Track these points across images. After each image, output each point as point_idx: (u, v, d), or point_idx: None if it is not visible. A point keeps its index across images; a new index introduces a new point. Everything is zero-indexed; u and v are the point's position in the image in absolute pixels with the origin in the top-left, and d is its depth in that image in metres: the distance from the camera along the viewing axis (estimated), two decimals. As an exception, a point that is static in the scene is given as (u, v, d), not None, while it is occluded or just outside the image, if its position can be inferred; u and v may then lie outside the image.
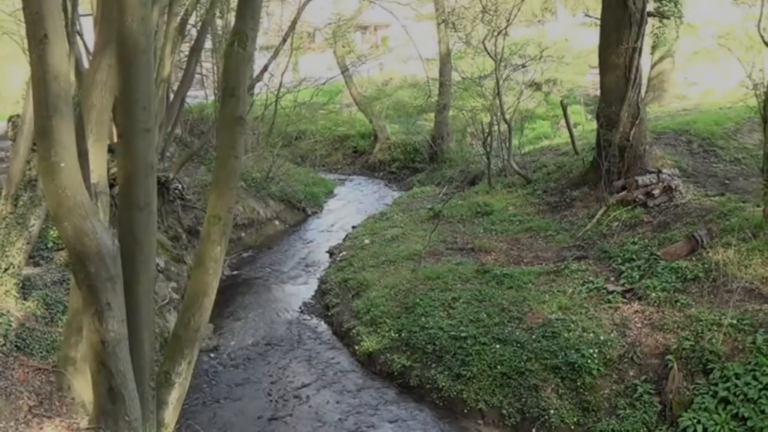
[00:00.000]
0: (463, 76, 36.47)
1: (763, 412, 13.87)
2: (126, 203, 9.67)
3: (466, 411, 16.19)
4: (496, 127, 30.91)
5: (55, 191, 8.63)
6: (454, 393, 16.50)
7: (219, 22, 35.83)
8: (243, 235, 28.63)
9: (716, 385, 14.72)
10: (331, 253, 26.74)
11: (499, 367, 16.62)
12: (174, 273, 22.42)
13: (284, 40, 34.07)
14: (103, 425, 9.70)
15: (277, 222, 31.17)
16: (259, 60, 35.01)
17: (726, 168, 26.60)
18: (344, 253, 25.47)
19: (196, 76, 33.72)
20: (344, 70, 45.35)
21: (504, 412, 15.86)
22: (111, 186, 13.05)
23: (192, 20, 30.61)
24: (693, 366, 15.38)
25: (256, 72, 31.37)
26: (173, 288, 21.29)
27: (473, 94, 34.87)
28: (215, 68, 38.64)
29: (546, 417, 15.39)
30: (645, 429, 14.70)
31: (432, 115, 42.89)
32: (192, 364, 10.81)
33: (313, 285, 24.08)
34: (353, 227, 29.35)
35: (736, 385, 14.49)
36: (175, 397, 10.67)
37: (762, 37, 19.19)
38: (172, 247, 24.31)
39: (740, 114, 28.11)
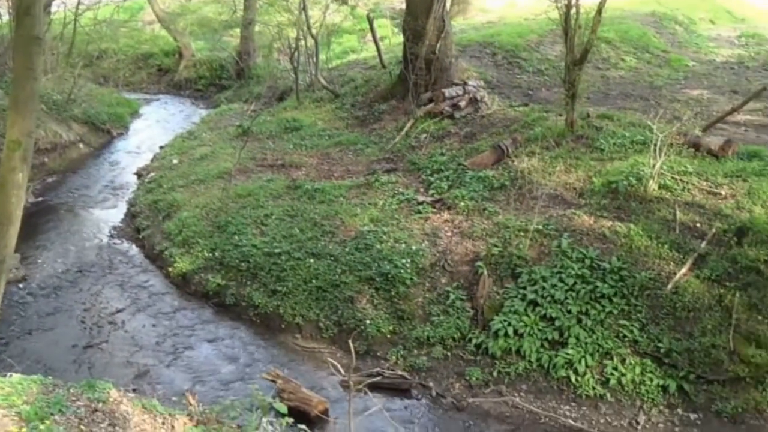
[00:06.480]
0: (268, -10, 35.88)
1: (569, 312, 14.53)
2: None
3: (283, 326, 16.14)
4: (302, 42, 30.55)
5: None
6: (271, 309, 16.39)
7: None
8: (46, 159, 27.36)
9: (524, 288, 15.29)
10: (139, 174, 25.90)
11: (314, 281, 16.64)
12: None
13: (80, -46, 32.53)
14: None
15: (81, 145, 29.94)
16: (55, -25, 33.31)
17: (529, 79, 27.33)
18: (153, 174, 24.75)
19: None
20: (145, -15, 43.79)
21: (321, 325, 15.92)
22: None
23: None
24: (502, 271, 15.90)
25: (53, -12, 29.89)
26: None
27: (279, 9, 34.33)
28: (7, -15, 36.61)
29: (362, 327, 15.54)
30: (458, 334, 15.11)
31: (237, 30, 42.00)
32: None
33: (122, 208, 23.26)
34: (161, 147, 28.51)
35: (543, 288, 15.09)
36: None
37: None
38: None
39: (542, 26, 28.85)
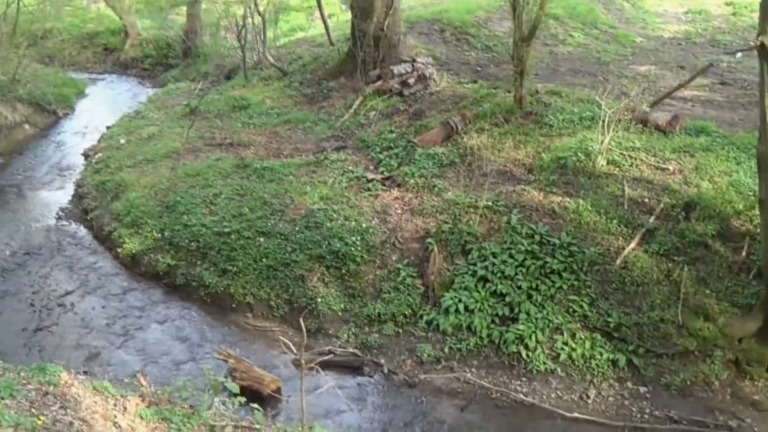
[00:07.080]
0: (214, -33, 35.51)
1: (519, 288, 14.63)
2: None
3: (234, 306, 16.10)
4: (250, 20, 30.31)
5: None
6: (221, 289, 16.32)
7: None
8: (-9, 142, 27.00)
9: (475, 264, 15.36)
10: (86, 155, 25.51)
11: (264, 260, 16.57)
12: None
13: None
14: None
15: (26, 126, 29.47)
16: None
17: (478, 56, 27.33)
18: (100, 154, 24.40)
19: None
20: (89, -38, 43.12)
21: (272, 303, 15.90)
22: None
23: None
24: (452, 248, 15.96)
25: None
26: None
27: (226, -14, 34.05)
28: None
29: (314, 306, 15.55)
30: (409, 310, 15.18)
31: (184, 9, 41.55)
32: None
33: (70, 189, 22.92)
34: (108, 127, 28.08)
35: (493, 264, 15.18)
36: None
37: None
38: None
39: (490, 2, 28.92)
